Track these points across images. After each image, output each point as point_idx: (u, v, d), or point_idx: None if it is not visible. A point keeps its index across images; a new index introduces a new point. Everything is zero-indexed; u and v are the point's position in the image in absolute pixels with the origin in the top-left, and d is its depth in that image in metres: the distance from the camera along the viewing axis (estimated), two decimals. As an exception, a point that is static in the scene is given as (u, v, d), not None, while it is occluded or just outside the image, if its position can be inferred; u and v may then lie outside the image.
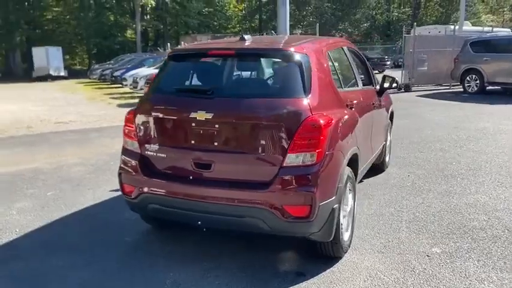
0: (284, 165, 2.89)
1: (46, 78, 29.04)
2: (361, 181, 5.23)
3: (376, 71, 29.91)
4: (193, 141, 3.09)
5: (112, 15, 38.73)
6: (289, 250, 3.61)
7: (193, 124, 3.05)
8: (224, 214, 3.00)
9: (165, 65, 3.52)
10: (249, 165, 2.98)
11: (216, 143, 3.03)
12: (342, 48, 4.16)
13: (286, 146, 2.88)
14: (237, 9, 49.85)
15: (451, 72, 15.48)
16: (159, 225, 3.95)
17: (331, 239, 3.13)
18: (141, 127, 3.30)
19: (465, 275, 3.15)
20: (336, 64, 3.75)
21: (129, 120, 3.37)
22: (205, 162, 3.06)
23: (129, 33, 40.22)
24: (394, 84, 4.89)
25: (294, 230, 3.02)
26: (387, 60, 30.79)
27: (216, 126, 3.00)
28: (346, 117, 3.35)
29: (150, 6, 36.50)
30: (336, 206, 3.06)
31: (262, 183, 2.91)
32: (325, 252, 3.30)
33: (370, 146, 4.40)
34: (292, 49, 3.18)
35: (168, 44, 32.76)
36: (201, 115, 2.99)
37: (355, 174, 3.68)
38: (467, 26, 22.98)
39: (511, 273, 3.16)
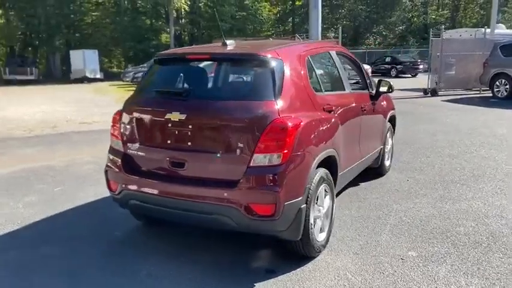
0: (251, 165, 3.00)
1: (82, 80, 30.11)
2: (357, 184, 5.29)
3: (409, 75, 29.52)
4: (168, 141, 3.27)
5: (147, 19, 39.76)
6: (264, 248, 3.70)
7: (169, 125, 3.22)
8: (194, 211, 3.15)
9: (150, 68, 3.73)
10: (219, 164, 3.12)
11: (189, 143, 3.19)
12: (329, 53, 4.22)
13: (253, 147, 3.00)
14: (270, 13, 50.08)
15: (480, 76, 15.09)
16: (148, 222, 4.13)
17: (299, 238, 3.22)
18: (125, 127, 3.50)
19: (434, 278, 3.17)
20: (318, 68, 3.83)
21: (115, 120, 3.58)
22: (179, 161, 3.22)
23: (164, 37, 41.16)
24: (386, 89, 4.92)
25: (260, 228, 3.13)
26: (420, 64, 30.14)
27: (189, 126, 3.16)
28: (319, 120, 3.42)
29: (183, 10, 37.21)
30: (303, 206, 3.15)
31: (230, 182, 3.03)
32: (297, 251, 3.38)
33: (359, 149, 4.44)
34: (265, 54, 3.30)
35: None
36: (175, 116, 3.16)
37: (334, 177, 3.75)
38: (501, 29, 22.20)
39: (481, 279, 3.15)
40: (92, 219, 4.38)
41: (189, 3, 35.38)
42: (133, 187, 3.40)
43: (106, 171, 3.61)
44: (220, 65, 3.58)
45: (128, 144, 3.48)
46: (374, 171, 5.60)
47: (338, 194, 4.84)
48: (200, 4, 38.84)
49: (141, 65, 30.78)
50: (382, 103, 5.27)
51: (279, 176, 2.99)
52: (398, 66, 30.42)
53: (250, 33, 43.25)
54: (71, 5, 37.28)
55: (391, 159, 5.97)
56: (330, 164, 3.64)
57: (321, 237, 3.54)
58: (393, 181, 5.51)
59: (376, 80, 5.22)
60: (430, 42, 16.88)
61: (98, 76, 31.77)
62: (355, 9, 45.64)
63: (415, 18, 50.63)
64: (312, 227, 3.32)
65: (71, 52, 33.00)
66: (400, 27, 48.56)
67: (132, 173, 3.40)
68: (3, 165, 6.50)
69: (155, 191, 3.28)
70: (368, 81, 5.00)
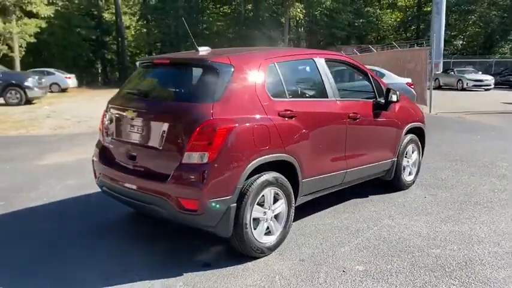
0: (183, 162, 3.26)
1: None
2: (366, 196, 5.14)
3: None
4: (127, 136, 3.69)
5: (264, 28, 41.37)
6: (218, 243, 3.83)
7: (126, 121, 3.65)
8: (140, 200, 3.52)
9: (134, 71, 4.20)
10: (159, 159, 3.44)
11: (139, 138, 3.57)
12: (313, 60, 4.23)
13: (186, 145, 3.25)
14: (392, 20, 48.23)
15: None
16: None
17: (229, 235, 3.37)
18: (105, 122, 4.01)
19: (358, 293, 3.07)
20: (286, 75, 3.89)
21: (102, 116, 4.11)
22: (132, 154, 3.62)
23: (280, 46, 42.48)
24: (395, 98, 4.71)
25: (189, 221, 3.36)
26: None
27: (139, 123, 3.56)
28: (267, 125, 3.50)
29: (298, 19, 37.88)
30: (233, 205, 3.29)
31: (166, 176, 3.32)
32: (236, 249, 3.53)
33: (344, 158, 4.33)
34: (215, 60, 3.52)
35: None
36: (129, 113, 3.59)
37: (294, 182, 3.78)
38: None
39: (407, 301, 2.96)
40: (100, 203, 4.92)
41: (304, 11, 35.89)
42: (104, 175, 3.88)
43: (92, 161, 4.15)
44: (176, 69, 3.89)
45: (105, 137, 3.98)
46: (390, 185, 5.35)
47: (335, 202, 4.84)
48: (316, 13, 39.12)
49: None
50: (397, 113, 5.02)
51: (204, 174, 3.19)
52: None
53: (370, 41, 42.28)
54: (200, 16, 40.64)
55: (416, 174, 5.61)
56: (285, 169, 3.69)
57: (266, 239, 3.61)
58: (408, 196, 5.20)
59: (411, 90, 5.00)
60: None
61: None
62: (487, 15, 41.58)
63: None
64: (248, 227, 3.42)
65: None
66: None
67: (105, 163, 3.89)
68: (73, 155, 7.58)
69: (117, 180, 3.72)
70: (377, 90, 4.83)
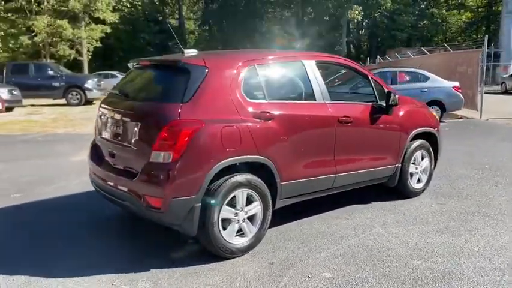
0: (150, 160, 3.36)
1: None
2: (368, 202, 4.98)
3: None
4: (109, 134, 3.86)
5: (321, 31, 41.06)
6: (193, 242, 3.87)
7: (109, 120, 3.83)
8: (116, 197, 3.67)
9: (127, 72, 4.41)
10: (132, 157, 3.57)
11: (117, 137, 3.73)
12: (301, 62, 4.17)
13: (153, 144, 3.35)
14: (460, 21, 45.86)
15: None
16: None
17: (194, 234, 3.43)
18: (97, 121, 4.22)
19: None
20: (267, 77, 3.89)
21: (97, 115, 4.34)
22: (112, 152, 3.79)
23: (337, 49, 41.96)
24: (394, 102, 4.54)
25: (156, 219, 3.46)
26: None
27: (118, 123, 3.71)
28: (239, 126, 3.51)
29: (356, 21, 37.16)
30: (197, 204, 3.34)
31: (136, 174, 3.45)
32: (205, 248, 3.57)
33: (333, 161, 4.22)
34: (188, 62, 3.60)
35: (378, 57, 32.86)
36: (111, 113, 3.78)
37: (272, 184, 3.76)
38: None
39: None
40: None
41: (362, 13, 35.13)
42: (93, 172, 4.08)
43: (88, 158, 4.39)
44: (154, 71, 4.02)
45: (96, 135, 4.18)
46: (396, 192, 5.14)
47: (333, 207, 4.75)
48: (376, 15, 38.14)
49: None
50: (402, 117, 4.81)
51: (168, 173, 3.27)
52: None
53: (437, 43, 40.50)
54: (258, 19, 41.15)
55: (426, 182, 5.33)
56: (261, 170, 3.69)
57: (238, 240, 3.62)
58: (413, 205, 4.96)
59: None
60: None
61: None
62: None
63: None
64: (215, 227, 3.45)
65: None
66: None
67: (94, 161, 4.09)
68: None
69: (101, 178, 3.90)
70: (378, 93, 4.67)
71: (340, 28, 40.24)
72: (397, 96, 4.59)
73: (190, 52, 4.03)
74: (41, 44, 28.07)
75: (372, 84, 4.70)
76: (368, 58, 34.32)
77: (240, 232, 3.67)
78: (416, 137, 5.06)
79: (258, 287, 3.18)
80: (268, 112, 3.73)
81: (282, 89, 4.13)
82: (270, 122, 3.72)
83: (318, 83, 4.18)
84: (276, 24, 46.03)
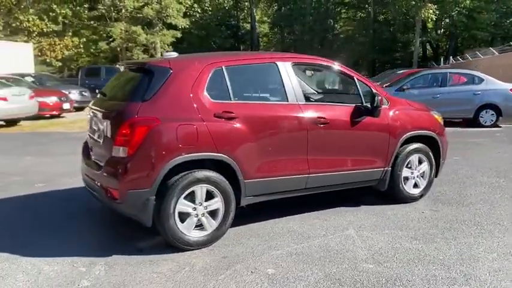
0: (112, 154, 3.67)
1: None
2: (358, 205, 4.92)
3: None
4: (91, 132, 4.24)
5: (396, 31, 39.66)
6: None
7: (92, 119, 4.21)
8: (92, 189, 4.05)
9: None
10: (101, 152, 3.90)
11: (94, 134, 4.08)
12: (275, 64, 4.23)
13: (115, 140, 3.65)
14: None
15: None
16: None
17: (149, 224, 3.67)
18: (88, 120, 4.63)
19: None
20: (235, 78, 4.01)
21: (92, 115, 4.76)
22: (92, 147, 4.17)
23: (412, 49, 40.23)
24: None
25: (117, 209, 3.75)
26: None
27: (96, 121, 4.07)
28: (197, 125, 3.69)
29: (431, 20, 35.32)
30: (152, 197, 3.58)
31: (102, 167, 3.78)
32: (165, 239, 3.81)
33: (305, 162, 4.24)
34: (153, 64, 3.87)
35: (451, 58, 31.17)
36: (93, 111, 4.16)
37: (234, 181, 3.89)
38: None
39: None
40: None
41: (437, 12, 33.30)
42: (83, 168, 4.49)
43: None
44: (130, 72, 4.32)
45: (87, 133, 4.60)
46: (390, 196, 5.00)
47: (319, 208, 4.79)
48: (453, 13, 35.98)
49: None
50: (392, 119, 4.68)
51: (123, 167, 3.56)
52: None
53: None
54: (330, 21, 40.83)
55: (425, 188, 5.10)
56: (227, 168, 3.84)
57: (195, 233, 3.80)
58: (403, 210, 4.80)
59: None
60: None
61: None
62: None
63: None
64: (170, 219, 3.65)
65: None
66: None
67: (83, 157, 4.49)
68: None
69: (85, 173, 4.29)
70: (363, 95, 4.60)
71: (414, 28, 38.57)
72: (382, 97, 4.49)
73: (170, 55, 4.29)
74: (118, 49, 30.24)
75: (358, 85, 4.63)
76: (442, 59, 32.49)
77: (200, 226, 3.84)
78: (412, 140, 4.89)
79: (200, 278, 3.33)
80: (231, 112, 3.87)
81: (250, 90, 4.25)
82: (233, 121, 3.86)
83: (291, 84, 4.23)
84: (349, 26, 45.36)
